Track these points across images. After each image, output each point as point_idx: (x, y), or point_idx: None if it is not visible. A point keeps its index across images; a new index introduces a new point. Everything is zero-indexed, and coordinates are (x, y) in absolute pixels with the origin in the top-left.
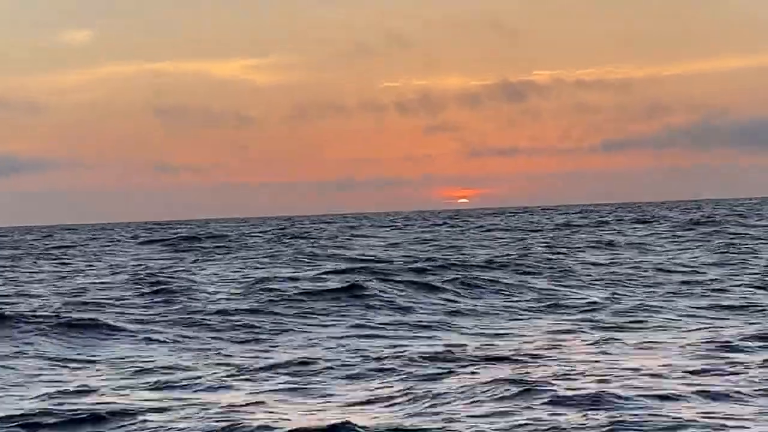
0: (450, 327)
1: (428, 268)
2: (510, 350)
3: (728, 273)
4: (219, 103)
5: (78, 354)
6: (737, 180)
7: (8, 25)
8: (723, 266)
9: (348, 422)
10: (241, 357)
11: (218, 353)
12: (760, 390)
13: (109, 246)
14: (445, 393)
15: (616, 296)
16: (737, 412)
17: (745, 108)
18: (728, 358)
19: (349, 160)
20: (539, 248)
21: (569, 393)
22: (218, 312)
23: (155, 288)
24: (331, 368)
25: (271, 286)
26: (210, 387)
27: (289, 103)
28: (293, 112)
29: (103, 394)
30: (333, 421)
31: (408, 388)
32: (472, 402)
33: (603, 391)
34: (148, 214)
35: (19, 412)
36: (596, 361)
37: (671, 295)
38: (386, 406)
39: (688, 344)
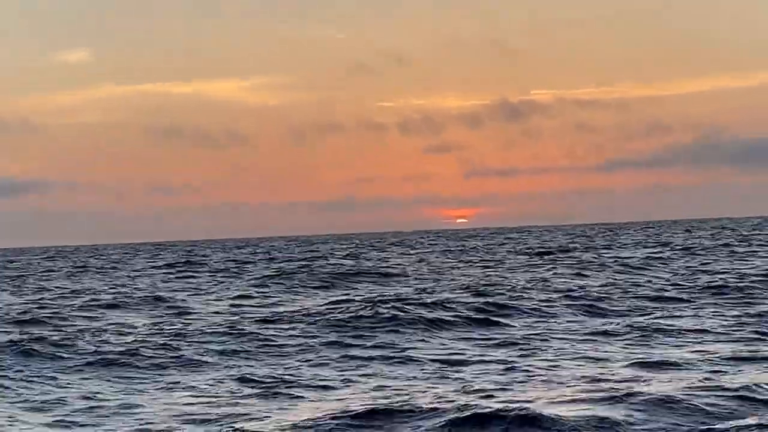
0: None
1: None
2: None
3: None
4: (216, 123)
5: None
6: (737, 198)
7: (4, 46)
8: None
9: None
10: None
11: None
12: None
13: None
14: None
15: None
16: None
17: (743, 127)
18: None
19: (348, 180)
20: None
21: None
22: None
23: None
24: None
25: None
26: None
27: (288, 122)
28: (291, 132)
29: None
30: None
31: None
32: None
33: None
34: (146, 234)
35: None
36: None
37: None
38: None
39: None
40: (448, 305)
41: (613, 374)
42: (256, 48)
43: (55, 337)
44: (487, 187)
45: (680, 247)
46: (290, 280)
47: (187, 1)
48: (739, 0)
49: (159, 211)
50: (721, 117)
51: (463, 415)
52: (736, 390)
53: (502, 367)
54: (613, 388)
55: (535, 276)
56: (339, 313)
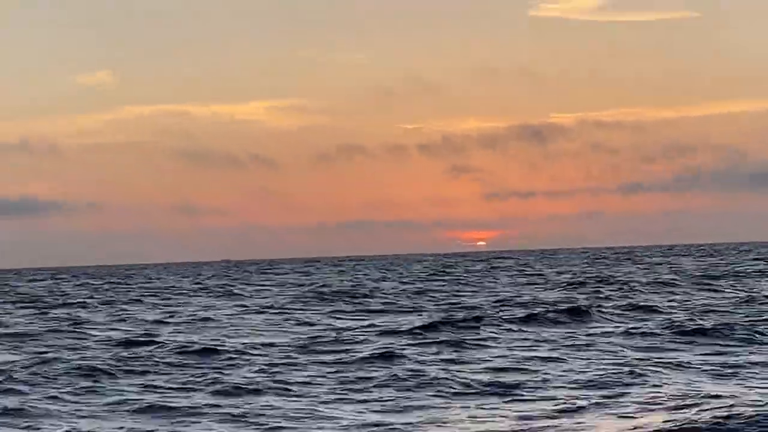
0: None
1: None
2: None
3: None
4: (239, 145)
5: None
6: (756, 223)
7: (30, 68)
8: None
9: None
10: None
11: None
12: None
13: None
14: None
15: None
16: None
17: (764, 150)
18: None
19: (368, 201)
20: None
21: None
22: None
23: None
24: None
25: None
26: None
27: (311, 145)
28: (315, 155)
29: None
30: None
31: None
32: None
33: None
34: (169, 255)
35: None
36: None
37: None
38: None
39: None
40: None
41: None
42: (280, 71)
43: None
44: (507, 210)
45: None
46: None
47: (212, 24)
48: (760, 23)
49: (182, 233)
50: (742, 140)
51: None
52: None
53: None
54: None
55: None
56: None
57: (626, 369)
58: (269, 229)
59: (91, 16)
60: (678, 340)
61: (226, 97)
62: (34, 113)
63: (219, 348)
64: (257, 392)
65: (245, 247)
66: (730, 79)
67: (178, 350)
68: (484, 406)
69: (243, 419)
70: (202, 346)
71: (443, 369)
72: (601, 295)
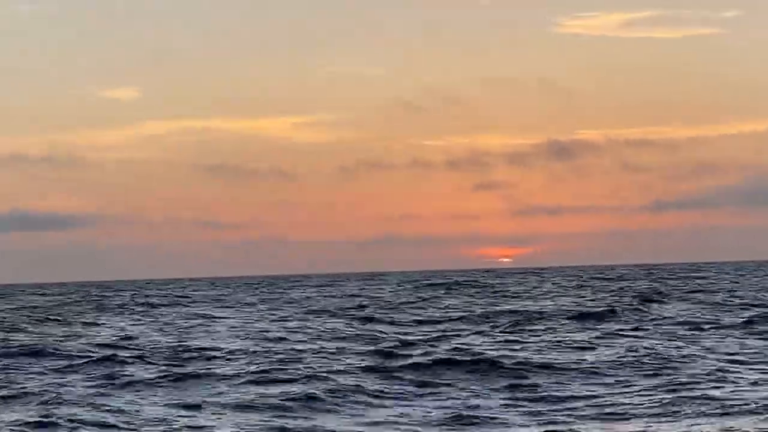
0: None
1: None
2: None
3: None
4: (264, 160)
5: None
6: None
7: (54, 82)
8: None
9: None
10: None
11: None
12: None
13: None
14: None
15: None
16: None
17: None
18: None
19: (392, 217)
20: None
21: None
22: None
23: None
24: None
25: None
26: None
27: (334, 160)
28: (338, 169)
29: None
30: None
31: None
32: None
33: None
34: (194, 270)
35: None
36: None
37: None
38: None
39: None
40: None
41: None
42: (303, 86)
43: None
44: (533, 227)
45: None
46: None
47: (236, 39)
48: None
49: (207, 247)
50: None
51: None
52: None
53: None
54: None
55: None
56: None
57: None
58: (292, 244)
59: (117, 31)
60: None
61: (250, 112)
62: (58, 127)
63: None
64: None
65: (265, 262)
66: (760, 98)
67: None
68: None
69: None
70: None
71: None
72: None
